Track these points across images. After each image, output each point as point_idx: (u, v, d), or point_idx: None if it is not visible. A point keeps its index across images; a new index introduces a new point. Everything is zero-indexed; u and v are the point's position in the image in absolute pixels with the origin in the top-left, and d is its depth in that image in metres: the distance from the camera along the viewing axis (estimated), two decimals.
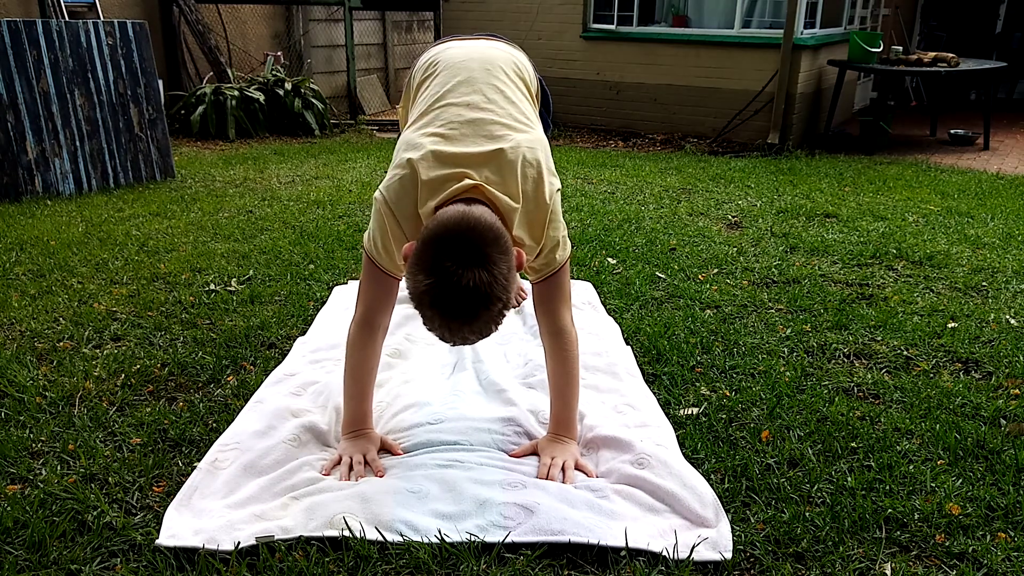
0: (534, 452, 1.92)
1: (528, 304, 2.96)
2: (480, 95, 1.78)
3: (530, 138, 1.75)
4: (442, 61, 1.93)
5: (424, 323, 1.51)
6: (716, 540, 1.58)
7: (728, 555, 1.54)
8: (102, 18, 6.80)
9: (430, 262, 1.46)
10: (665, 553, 1.55)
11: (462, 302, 1.44)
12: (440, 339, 1.53)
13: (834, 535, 1.62)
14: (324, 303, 2.95)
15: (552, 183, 1.74)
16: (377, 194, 1.72)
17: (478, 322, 1.48)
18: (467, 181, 1.62)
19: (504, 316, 1.52)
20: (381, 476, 1.80)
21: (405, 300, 1.62)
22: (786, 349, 2.58)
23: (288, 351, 2.53)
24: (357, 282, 3.09)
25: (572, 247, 1.84)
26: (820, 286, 3.18)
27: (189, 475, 1.80)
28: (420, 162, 1.66)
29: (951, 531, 1.64)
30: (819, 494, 1.77)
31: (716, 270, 3.39)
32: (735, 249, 3.70)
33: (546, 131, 2.10)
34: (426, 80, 1.94)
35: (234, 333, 2.65)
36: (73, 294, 3.00)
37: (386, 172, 1.76)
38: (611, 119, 8.01)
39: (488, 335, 1.53)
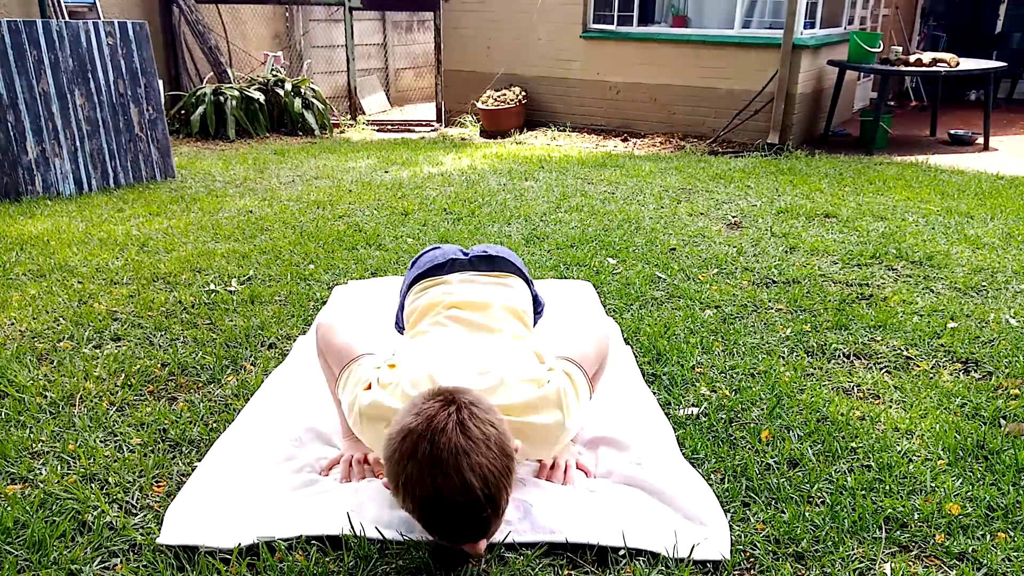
0: None
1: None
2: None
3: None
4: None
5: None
6: (716, 540, 1.58)
7: (727, 555, 1.55)
8: (102, 18, 6.80)
9: None
10: (665, 553, 1.55)
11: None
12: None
13: (834, 535, 1.62)
14: (324, 303, 2.95)
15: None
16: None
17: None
18: None
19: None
20: (382, 476, 1.80)
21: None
22: (786, 349, 2.58)
23: (288, 351, 2.53)
24: (353, 286, 3.11)
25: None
26: (820, 286, 3.18)
27: (189, 475, 1.80)
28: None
29: (951, 531, 1.64)
30: (819, 494, 1.77)
31: (716, 270, 3.39)
32: (735, 249, 3.70)
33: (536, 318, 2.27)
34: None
35: (234, 333, 2.65)
36: (73, 294, 3.00)
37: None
38: (611, 119, 8.01)
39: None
